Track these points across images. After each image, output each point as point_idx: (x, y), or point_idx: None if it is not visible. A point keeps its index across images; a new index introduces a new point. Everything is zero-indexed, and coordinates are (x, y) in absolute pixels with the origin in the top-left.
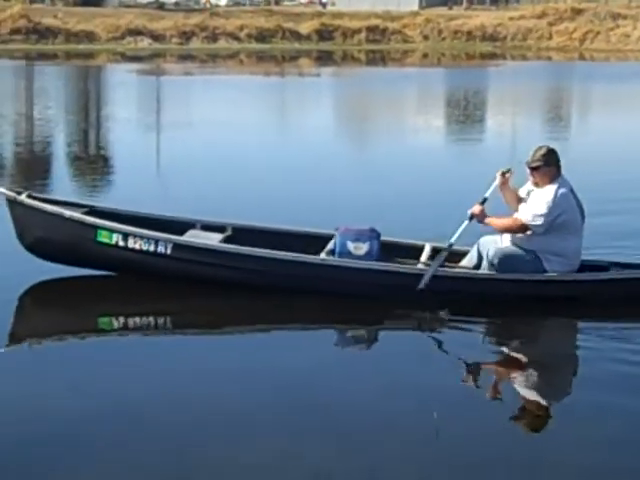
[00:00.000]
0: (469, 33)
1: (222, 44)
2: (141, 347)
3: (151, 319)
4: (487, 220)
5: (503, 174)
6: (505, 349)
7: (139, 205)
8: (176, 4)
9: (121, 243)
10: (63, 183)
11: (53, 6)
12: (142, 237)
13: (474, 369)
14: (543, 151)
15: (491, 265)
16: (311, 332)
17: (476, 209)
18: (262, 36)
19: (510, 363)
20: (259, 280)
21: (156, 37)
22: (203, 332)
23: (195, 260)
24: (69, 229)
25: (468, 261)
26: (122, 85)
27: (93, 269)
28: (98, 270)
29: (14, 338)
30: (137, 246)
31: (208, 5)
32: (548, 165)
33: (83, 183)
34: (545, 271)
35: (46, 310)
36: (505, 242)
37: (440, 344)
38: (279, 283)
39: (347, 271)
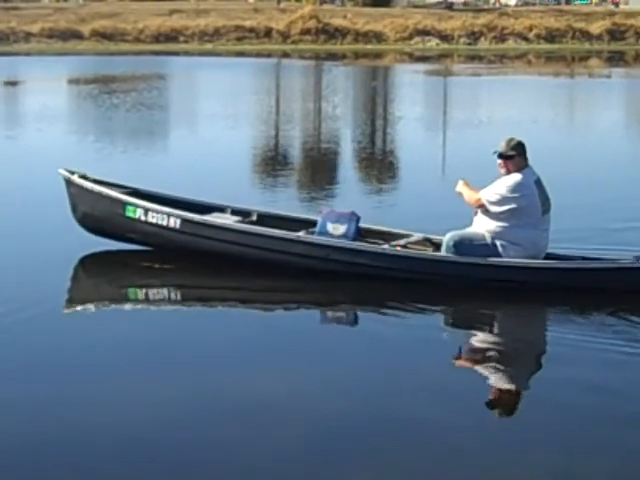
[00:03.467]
0: None
1: (510, 44)
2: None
3: (173, 291)
4: (459, 187)
5: None
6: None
7: (423, 201)
8: (465, 4)
9: (142, 218)
10: (348, 178)
11: (342, 7)
12: (158, 212)
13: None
14: (514, 142)
15: (447, 248)
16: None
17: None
18: (551, 36)
19: (470, 346)
20: (246, 253)
21: (444, 37)
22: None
23: (198, 234)
24: (105, 205)
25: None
26: (409, 85)
27: (124, 242)
28: (128, 243)
29: (70, 301)
30: (155, 220)
31: (498, 4)
32: (519, 155)
33: (367, 178)
34: (500, 257)
35: (91, 278)
36: (473, 228)
37: (397, 324)
38: (263, 257)
39: (309, 246)
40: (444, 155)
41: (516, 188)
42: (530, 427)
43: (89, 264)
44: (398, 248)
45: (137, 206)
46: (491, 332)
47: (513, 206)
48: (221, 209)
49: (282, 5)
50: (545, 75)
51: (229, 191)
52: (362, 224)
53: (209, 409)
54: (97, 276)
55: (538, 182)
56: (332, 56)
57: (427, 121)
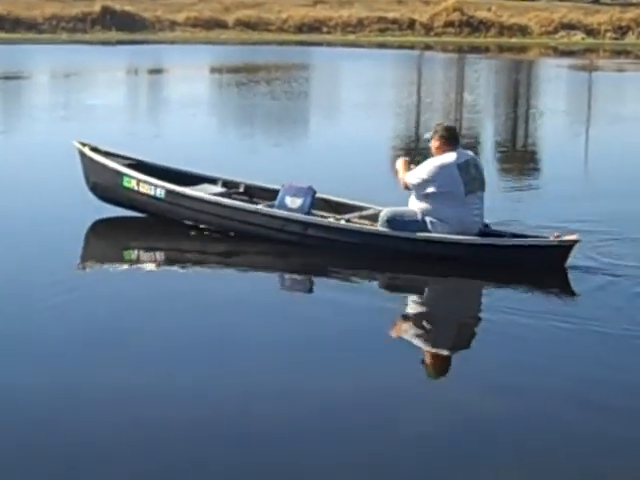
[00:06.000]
0: None
1: None
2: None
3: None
4: (397, 165)
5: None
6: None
7: (562, 200)
8: None
9: (136, 188)
10: (487, 172)
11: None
12: (147, 183)
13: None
14: (437, 127)
15: (382, 222)
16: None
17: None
18: None
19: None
20: (209, 220)
21: (590, 31)
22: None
23: (179, 204)
24: (108, 176)
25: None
26: (553, 79)
27: (125, 209)
28: (127, 209)
29: (82, 261)
30: (145, 190)
31: None
32: (438, 139)
33: (507, 173)
34: (429, 233)
35: (100, 241)
36: (409, 205)
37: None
38: (230, 226)
39: (266, 217)
40: (586, 152)
41: (432, 170)
42: (461, 383)
43: (98, 228)
44: (342, 222)
45: (132, 177)
46: (420, 299)
47: (431, 187)
48: (213, 180)
49: None
50: None
51: (366, 185)
52: (331, 196)
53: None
54: (102, 238)
55: (466, 164)
56: (475, 49)
57: (570, 116)
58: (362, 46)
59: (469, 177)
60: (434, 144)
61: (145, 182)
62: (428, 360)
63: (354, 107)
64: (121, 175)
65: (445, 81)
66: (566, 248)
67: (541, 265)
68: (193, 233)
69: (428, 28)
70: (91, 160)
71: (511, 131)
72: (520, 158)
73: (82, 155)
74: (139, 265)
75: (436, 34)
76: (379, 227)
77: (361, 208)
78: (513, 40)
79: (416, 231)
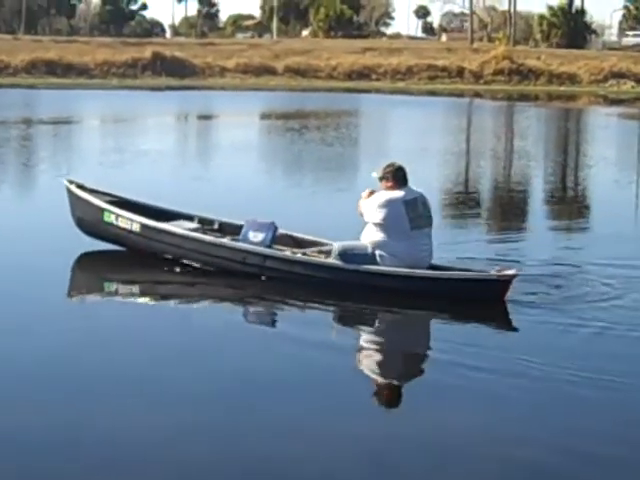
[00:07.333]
0: None
1: None
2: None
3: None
4: (363, 194)
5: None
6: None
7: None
8: None
9: (115, 222)
10: (537, 218)
11: (536, 48)
12: (124, 218)
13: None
14: (386, 167)
15: (334, 256)
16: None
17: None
18: None
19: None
20: (179, 253)
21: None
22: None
23: (153, 237)
24: (91, 211)
25: None
26: (603, 128)
27: (107, 243)
28: (110, 244)
29: (70, 291)
30: (122, 224)
31: None
32: (386, 179)
33: (558, 218)
34: (378, 266)
35: (85, 273)
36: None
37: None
38: (197, 258)
39: (229, 250)
40: (637, 198)
41: (380, 204)
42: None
43: (84, 260)
44: (298, 255)
45: (111, 212)
46: (371, 330)
47: (378, 219)
48: (190, 217)
49: (475, 45)
50: None
51: None
52: (294, 233)
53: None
54: (87, 270)
55: (414, 201)
56: (524, 97)
57: (621, 165)
58: (411, 93)
59: (415, 214)
60: (385, 184)
61: (123, 217)
62: (379, 392)
63: (404, 153)
64: (102, 210)
65: (495, 129)
66: (505, 282)
67: (483, 297)
68: (168, 268)
69: (477, 76)
70: (76, 197)
71: (561, 178)
72: (570, 203)
73: (69, 192)
74: (113, 297)
75: (485, 82)
76: (331, 260)
77: (321, 244)
78: (562, 88)
79: (366, 264)
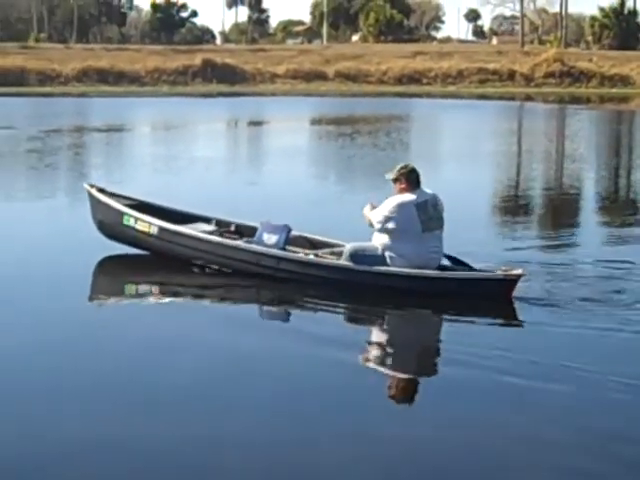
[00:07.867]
0: None
1: None
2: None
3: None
4: (365, 210)
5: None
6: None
7: None
8: None
9: (134, 225)
10: (589, 222)
11: (588, 50)
12: (143, 221)
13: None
14: (399, 168)
15: (345, 257)
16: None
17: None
18: None
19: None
20: (196, 255)
21: None
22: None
23: (170, 240)
24: (111, 215)
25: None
26: None
27: (127, 245)
28: (129, 246)
29: (91, 296)
30: (141, 228)
31: None
32: (400, 180)
33: (610, 222)
34: (388, 267)
35: (107, 276)
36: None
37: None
38: (213, 260)
39: (244, 253)
40: None
41: (392, 209)
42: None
43: (105, 263)
44: (311, 256)
45: (130, 216)
46: (382, 329)
47: (390, 224)
48: (207, 220)
49: (526, 48)
50: None
51: (469, 234)
52: (308, 234)
53: None
54: (109, 274)
55: (425, 203)
56: (576, 99)
57: None
58: (462, 97)
59: (427, 216)
60: (399, 186)
61: (142, 220)
62: (393, 388)
63: (455, 157)
64: (122, 214)
65: (546, 131)
66: (511, 281)
67: (490, 296)
68: (194, 269)
69: (529, 79)
70: (97, 200)
71: (613, 181)
72: (622, 207)
73: (90, 195)
74: (134, 300)
75: (536, 85)
76: (343, 261)
77: (334, 245)
78: (614, 90)
79: (376, 265)
